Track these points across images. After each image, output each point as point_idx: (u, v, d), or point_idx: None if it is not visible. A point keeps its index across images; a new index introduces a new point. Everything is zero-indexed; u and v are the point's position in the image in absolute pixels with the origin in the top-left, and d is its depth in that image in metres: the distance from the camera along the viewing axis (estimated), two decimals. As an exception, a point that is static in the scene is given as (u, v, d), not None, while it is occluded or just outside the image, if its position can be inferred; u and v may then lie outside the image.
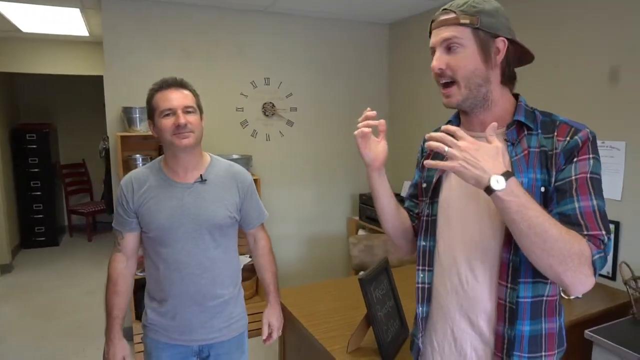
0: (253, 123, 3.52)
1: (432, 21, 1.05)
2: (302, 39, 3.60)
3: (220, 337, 1.60)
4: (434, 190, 1.13)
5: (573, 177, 0.94)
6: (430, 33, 1.06)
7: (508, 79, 1.05)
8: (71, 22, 3.82)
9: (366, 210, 3.67)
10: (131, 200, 1.52)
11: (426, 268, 1.15)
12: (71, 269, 4.83)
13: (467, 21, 0.98)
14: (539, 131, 1.00)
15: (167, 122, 1.44)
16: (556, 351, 1.04)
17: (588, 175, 0.94)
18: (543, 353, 1.02)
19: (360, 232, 3.73)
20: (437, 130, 1.24)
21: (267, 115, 3.56)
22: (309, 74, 3.66)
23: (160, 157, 1.60)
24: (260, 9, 3.37)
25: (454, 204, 1.09)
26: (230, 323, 1.62)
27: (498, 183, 0.86)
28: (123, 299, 1.58)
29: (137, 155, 2.98)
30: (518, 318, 0.99)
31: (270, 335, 1.69)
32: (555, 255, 0.87)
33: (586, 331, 1.76)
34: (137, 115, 2.98)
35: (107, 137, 3.50)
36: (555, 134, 0.98)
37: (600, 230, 0.91)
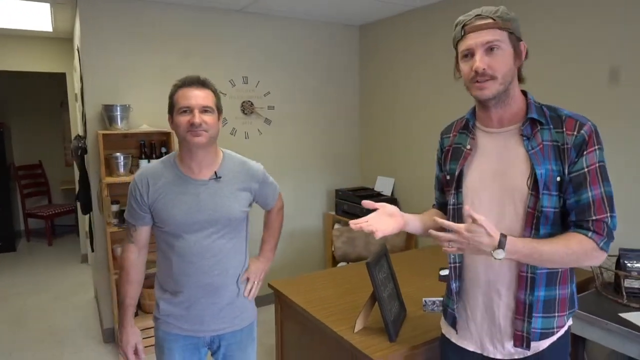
0: (232, 121, 3.56)
1: (464, 25, 1.14)
2: (279, 39, 3.68)
3: (231, 327, 1.65)
4: (458, 181, 1.26)
5: (585, 170, 1.10)
6: (453, 41, 1.19)
7: (521, 78, 1.20)
8: (35, 17, 3.67)
9: (342, 205, 3.80)
10: (146, 195, 1.54)
11: None
12: (34, 275, 4.63)
13: (508, 25, 1.11)
14: (550, 126, 1.14)
15: (183, 120, 1.48)
16: (567, 312, 1.22)
17: (597, 165, 1.11)
18: (556, 314, 1.19)
19: (337, 226, 3.85)
20: (449, 127, 1.37)
21: (246, 114, 3.60)
22: (286, 73, 3.74)
23: (174, 152, 1.63)
24: (238, 9, 3.42)
25: (479, 191, 1.22)
26: (241, 313, 1.68)
27: (499, 254, 1.03)
28: (135, 288, 1.63)
29: (118, 154, 2.94)
30: (536, 285, 1.16)
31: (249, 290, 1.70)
32: (568, 263, 1.11)
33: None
34: (118, 113, 2.94)
35: (81, 136, 3.42)
36: (564, 128, 1.12)
37: (606, 212, 1.10)
